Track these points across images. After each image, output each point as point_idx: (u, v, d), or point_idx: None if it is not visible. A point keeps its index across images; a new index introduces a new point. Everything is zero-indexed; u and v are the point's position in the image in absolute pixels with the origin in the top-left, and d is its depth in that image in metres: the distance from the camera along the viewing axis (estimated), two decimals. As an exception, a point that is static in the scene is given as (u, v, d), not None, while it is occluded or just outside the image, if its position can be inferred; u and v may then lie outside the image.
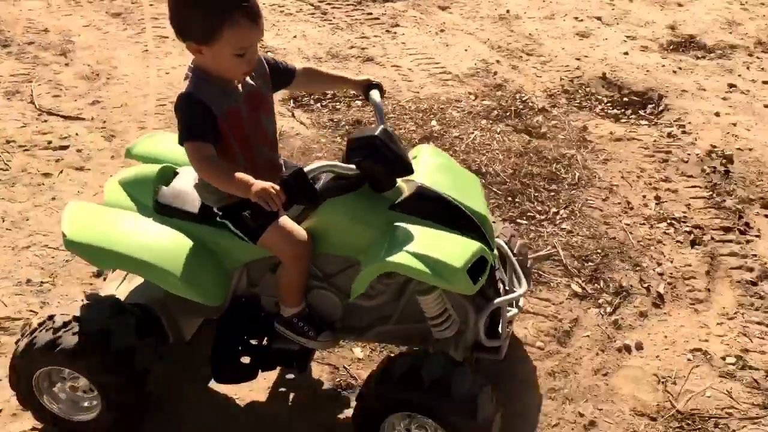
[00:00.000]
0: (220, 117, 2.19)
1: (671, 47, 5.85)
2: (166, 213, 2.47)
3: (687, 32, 6.05)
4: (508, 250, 2.70)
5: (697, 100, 5.10)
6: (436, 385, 2.25)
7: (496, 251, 2.50)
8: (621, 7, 6.54)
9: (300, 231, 2.31)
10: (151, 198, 2.51)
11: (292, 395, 2.91)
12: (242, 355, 2.56)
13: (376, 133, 2.24)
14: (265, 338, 2.58)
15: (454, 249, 2.22)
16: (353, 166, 2.25)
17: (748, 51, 5.81)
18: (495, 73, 5.37)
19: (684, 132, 4.75)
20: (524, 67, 5.50)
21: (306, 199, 2.11)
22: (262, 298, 2.53)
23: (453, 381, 2.27)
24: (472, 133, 4.60)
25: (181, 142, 2.18)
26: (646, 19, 6.30)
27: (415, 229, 2.24)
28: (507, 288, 2.63)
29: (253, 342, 2.58)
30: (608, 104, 5.08)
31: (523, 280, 2.62)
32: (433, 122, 4.71)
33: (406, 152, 2.37)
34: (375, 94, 2.53)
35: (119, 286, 2.63)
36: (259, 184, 2.05)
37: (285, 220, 2.31)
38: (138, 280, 2.61)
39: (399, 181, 2.34)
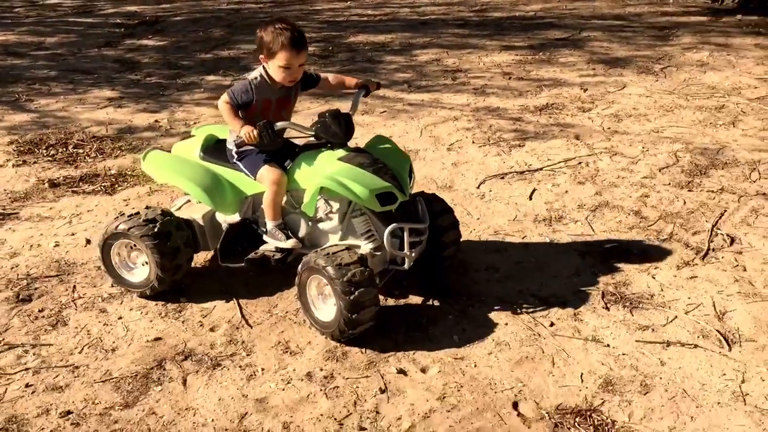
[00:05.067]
0: (256, 99, 3.26)
1: None
2: (207, 159, 3.56)
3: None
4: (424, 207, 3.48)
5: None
6: None
7: (407, 196, 3.28)
8: None
9: (278, 169, 3.29)
10: (199, 150, 3.61)
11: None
12: (237, 251, 3.50)
13: (326, 115, 3.24)
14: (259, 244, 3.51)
15: (369, 181, 3.15)
16: (311, 129, 3.28)
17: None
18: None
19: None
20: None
21: (269, 140, 3.11)
22: (260, 220, 3.52)
23: None
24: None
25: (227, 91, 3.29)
26: None
27: (349, 169, 3.17)
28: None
29: (245, 245, 3.53)
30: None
31: (427, 221, 3.40)
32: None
33: (346, 130, 3.27)
34: (359, 92, 3.57)
35: (179, 207, 3.76)
36: (247, 126, 3.12)
37: (271, 164, 3.31)
38: (188, 208, 3.73)
39: (348, 144, 3.32)
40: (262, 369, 3.06)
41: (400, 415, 2.80)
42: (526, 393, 2.92)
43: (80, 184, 4.84)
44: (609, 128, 5.70)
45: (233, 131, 3.29)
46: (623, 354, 3.13)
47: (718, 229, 4.14)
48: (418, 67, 7.49)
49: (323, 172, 3.20)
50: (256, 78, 3.27)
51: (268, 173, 3.29)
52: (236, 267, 3.50)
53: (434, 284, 3.63)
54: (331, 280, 3.05)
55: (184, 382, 2.98)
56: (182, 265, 3.51)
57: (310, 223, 3.42)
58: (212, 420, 2.78)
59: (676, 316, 3.37)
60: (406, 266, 3.33)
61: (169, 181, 3.58)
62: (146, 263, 3.47)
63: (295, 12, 10.34)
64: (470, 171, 5.01)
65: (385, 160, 3.32)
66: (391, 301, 3.51)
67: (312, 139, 3.37)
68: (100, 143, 5.54)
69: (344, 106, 3.51)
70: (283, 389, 2.94)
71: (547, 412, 2.80)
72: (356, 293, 3.01)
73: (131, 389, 2.94)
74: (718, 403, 2.83)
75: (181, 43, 8.64)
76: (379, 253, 3.33)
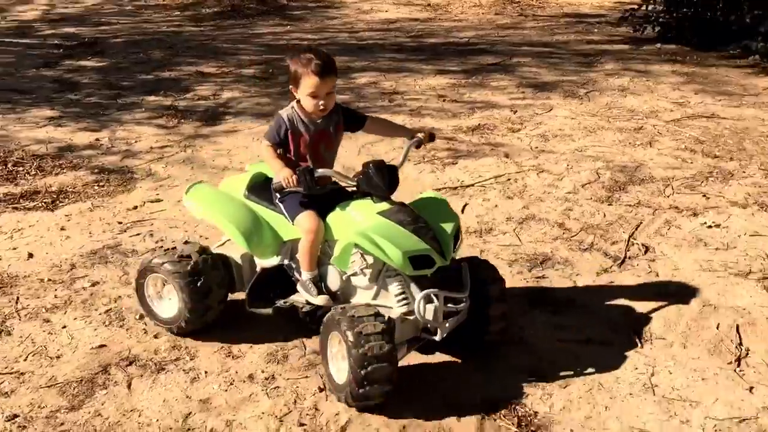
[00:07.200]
0: (291, 133, 3.13)
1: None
2: (251, 198, 3.39)
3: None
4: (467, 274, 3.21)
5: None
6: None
7: (448, 261, 3.04)
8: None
9: (315, 217, 3.11)
10: (245, 189, 3.44)
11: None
12: (268, 297, 3.36)
13: (369, 166, 3.07)
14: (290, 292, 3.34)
15: (404, 241, 2.93)
16: (353, 179, 3.12)
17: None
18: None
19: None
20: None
21: (306, 186, 2.97)
22: (295, 268, 3.32)
23: None
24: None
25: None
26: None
27: (386, 225, 2.98)
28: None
29: (277, 292, 3.36)
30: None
31: (467, 289, 3.12)
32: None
33: (390, 184, 3.08)
34: (410, 141, 3.35)
35: (223, 243, 3.59)
36: (286, 169, 3.00)
37: (309, 212, 3.13)
38: (230, 245, 3.52)
39: (392, 199, 3.11)
40: (206, 372, 3.18)
41: (338, 411, 2.96)
42: (451, 388, 3.12)
43: (20, 200, 4.87)
44: (536, 147, 6.02)
45: (272, 168, 3.16)
46: (546, 351, 3.37)
47: (634, 239, 4.45)
48: (356, 90, 7.73)
49: (358, 226, 3.03)
50: (287, 111, 3.16)
51: (305, 220, 3.13)
52: (263, 314, 3.37)
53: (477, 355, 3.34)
54: (348, 348, 2.86)
55: (129, 386, 3.08)
56: (213, 306, 3.37)
57: (344, 277, 3.20)
58: (157, 420, 2.89)
59: (594, 318, 3.64)
60: (437, 337, 3.06)
61: (207, 217, 3.45)
62: (176, 299, 3.36)
63: (235, 35, 10.48)
64: (406, 187, 5.21)
65: (430, 219, 3.12)
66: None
67: None
68: (40, 161, 5.56)
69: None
70: (226, 390, 3.07)
71: (473, 405, 3.01)
72: (369, 368, 2.81)
73: (76, 393, 3.03)
74: (631, 394, 3.09)
75: (121, 64, 8.67)
76: (411, 318, 3.04)
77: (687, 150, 5.94)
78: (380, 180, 3.06)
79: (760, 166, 5.60)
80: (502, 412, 2.97)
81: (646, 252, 4.30)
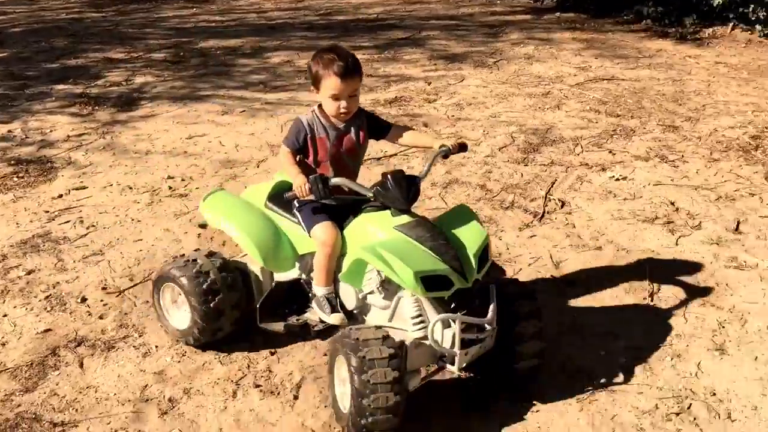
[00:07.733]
0: (311, 137, 2.95)
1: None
2: (270, 208, 3.19)
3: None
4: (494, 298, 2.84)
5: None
6: None
7: (469, 283, 2.71)
8: None
9: (332, 229, 2.92)
10: (266, 198, 3.24)
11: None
12: (282, 313, 3.16)
13: (388, 177, 2.82)
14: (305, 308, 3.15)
15: (418, 260, 2.64)
16: (370, 189, 2.86)
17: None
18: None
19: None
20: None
21: (319, 195, 2.75)
22: (312, 283, 3.07)
23: None
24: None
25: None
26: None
27: (400, 241, 2.73)
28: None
29: (292, 307, 3.18)
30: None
31: (490, 316, 2.76)
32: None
33: (409, 196, 2.82)
34: (437, 151, 3.03)
35: (242, 257, 3.42)
36: (300, 177, 2.82)
37: (326, 223, 2.94)
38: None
39: (413, 212, 2.85)
40: (156, 346, 3.24)
41: (291, 371, 3.09)
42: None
43: (-64, 196, 4.72)
44: (453, 116, 6.26)
45: (288, 177, 2.99)
46: (479, 302, 3.60)
47: (551, 195, 4.75)
48: (272, 69, 7.77)
49: (370, 239, 2.80)
50: (307, 116, 3.00)
51: (321, 231, 2.93)
52: (274, 331, 3.15)
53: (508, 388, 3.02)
54: (350, 374, 2.61)
55: (81, 365, 3.12)
56: (226, 322, 3.18)
57: (360, 295, 2.97)
58: (114, 394, 2.95)
59: (521, 269, 3.90)
60: (455, 367, 2.74)
61: (222, 228, 3.25)
62: (189, 311, 3.18)
63: (139, 19, 10.28)
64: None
65: (454, 235, 2.84)
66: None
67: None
68: (-49, 156, 5.38)
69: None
70: (179, 361, 3.15)
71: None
72: (372, 398, 2.56)
73: (29, 376, 3.04)
74: (560, 333, 3.35)
75: (23, 53, 8.38)
76: (427, 343, 2.76)
77: (592, 111, 6.33)
78: (399, 192, 2.81)
79: (658, 122, 6.04)
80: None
81: (562, 206, 4.61)
